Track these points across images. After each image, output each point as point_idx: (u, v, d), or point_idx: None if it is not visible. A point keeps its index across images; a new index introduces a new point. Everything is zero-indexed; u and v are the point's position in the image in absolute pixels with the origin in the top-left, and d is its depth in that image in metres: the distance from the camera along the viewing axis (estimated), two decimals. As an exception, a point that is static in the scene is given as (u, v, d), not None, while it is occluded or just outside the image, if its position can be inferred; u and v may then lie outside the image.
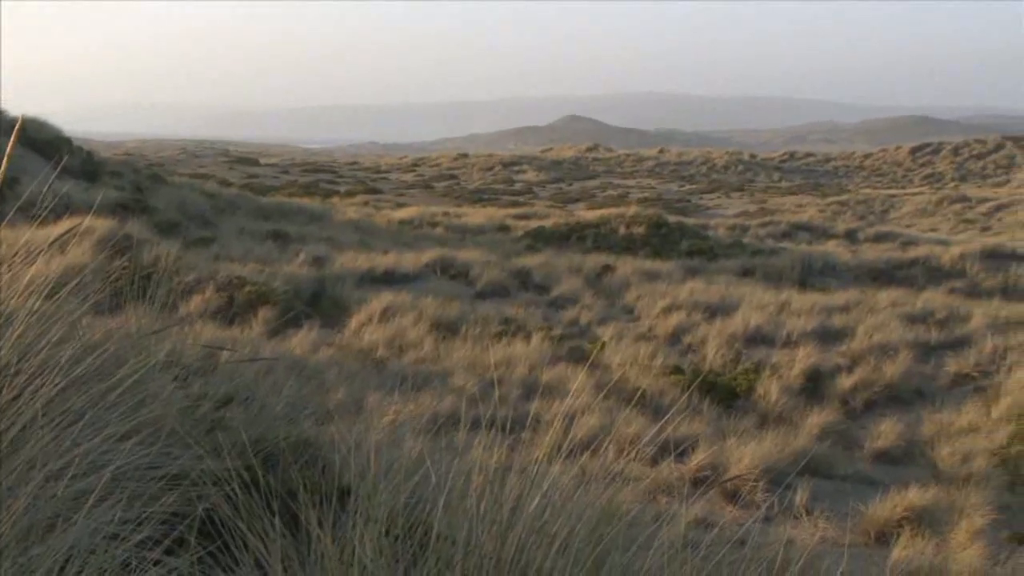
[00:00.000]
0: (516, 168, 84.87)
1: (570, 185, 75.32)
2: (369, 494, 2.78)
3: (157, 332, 4.05)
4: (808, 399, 14.27)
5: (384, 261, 21.12)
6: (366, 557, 2.60)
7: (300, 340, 13.95)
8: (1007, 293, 23.18)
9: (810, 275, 24.70)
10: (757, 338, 16.63)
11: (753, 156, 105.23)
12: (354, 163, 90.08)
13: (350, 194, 52.49)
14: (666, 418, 11.77)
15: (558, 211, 44.06)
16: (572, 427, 10.14)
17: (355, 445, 3.45)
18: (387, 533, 2.64)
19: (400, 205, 44.99)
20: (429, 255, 22.02)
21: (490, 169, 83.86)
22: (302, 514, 2.78)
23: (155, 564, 2.67)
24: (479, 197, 58.47)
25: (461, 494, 2.84)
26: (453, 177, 78.23)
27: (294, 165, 79.81)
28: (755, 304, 18.38)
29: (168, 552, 2.73)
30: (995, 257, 25.96)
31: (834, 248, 31.76)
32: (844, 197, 70.73)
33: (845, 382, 14.70)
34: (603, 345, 16.12)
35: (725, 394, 14.15)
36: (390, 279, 20.12)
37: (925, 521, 9.33)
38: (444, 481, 2.93)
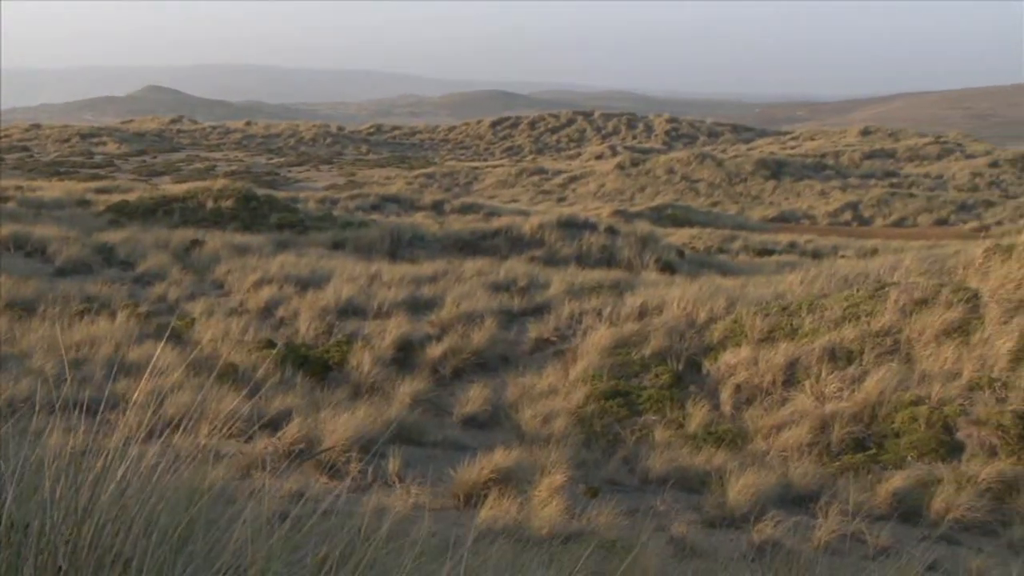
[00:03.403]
0: (95, 140, 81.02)
1: (154, 158, 72.86)
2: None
3: None
4: (400, 368, 14.53)
5: (-51, 239, 19.64)
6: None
7: None
8: (581, 260, 24.51)
9: (400, 247, 25.11)
10: (349, 310, 16.73)
11: (341, 129, 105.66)
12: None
13: (-94, 167, 48.47)
14: (260, 393, 11.67)
15: (143, 185, 42.59)
16: (162, 406, 9.84)
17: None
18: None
19: (-36, 179, 41.93)
20: (0, 231, 20.65)
21: (66, 141, 79.61)
22: None
23: None
24: (56, 170, 55.55)
25: (34, 481, 2.68)
26: (25, 149, 73.82)
27: None
28: (346, 276, 18.48)
29: None
30: (570, 226, 27.34)
31: (422, 220, 32.46)
32: (430, 169, 72.56)
33: (435, 350, 15.05)
34: (193, 321, 15.74)
35: (318, 367, 14.18)
36: (-44, 258, 18.74)
37: (511, 481, 9.72)
38: (16, 469, 2.75)
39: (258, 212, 28.60)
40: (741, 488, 10.00)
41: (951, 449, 11.43)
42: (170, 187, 36.62)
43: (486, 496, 9.28)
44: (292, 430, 10.54)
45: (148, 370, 4.55)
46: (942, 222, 55.32)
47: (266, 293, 17.42)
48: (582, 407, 13.09)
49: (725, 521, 9.76)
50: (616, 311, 15.91)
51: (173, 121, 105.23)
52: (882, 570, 5.74)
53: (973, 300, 13.47)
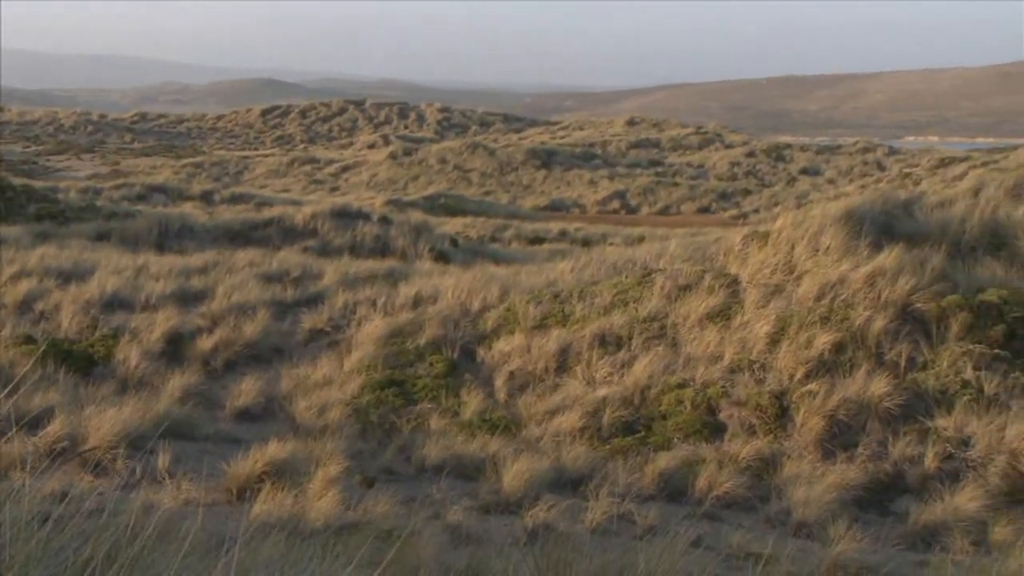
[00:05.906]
0: None
1: (-103, 145, 68.90)
2: None
3: None
4: (169, 362, 14.16)
5: None
6: None
7: None
8: (355, 250, 24.40)
9: (168, 238, 24.45)
10: (115, 303, 16.19)
11: (103, 116, 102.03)
12: None
13: None
14: (18, 391, 11.18)
15: None
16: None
17: None
18: None
19: None
20: None
21: None
22: None
23: None
24: None
25: None
26: None
27: None
28: (112, 268, 17.87)
29: None
30: (343, 216, 27.15)
31: (191, 210, 31.72)
32: (199, 159, 70.97)
33: (206, 343, 14.73)
34: (-56, 318, 14.96)
35: (82, 362, 13.68)
36: None
37: (285, 474, 9.60)
38: None
39: (14, 202, 27.36)
40: (515, 474, 10.16)
41: (714, 429, 11.88)
42: (-84, 176, 34.63)
43: (260, 490, 9.12)
44: (54, 428, 10.12)
45: None
46: (704, 210, 57.40)
47: (24, 286, 16.66)
48: (357, 397, 13.04)
49: (500, 507, 9.89)
50: (391, 301, 15.91)
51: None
52: (649, 548, 5.92)
53: (733, 285, 14.02)
